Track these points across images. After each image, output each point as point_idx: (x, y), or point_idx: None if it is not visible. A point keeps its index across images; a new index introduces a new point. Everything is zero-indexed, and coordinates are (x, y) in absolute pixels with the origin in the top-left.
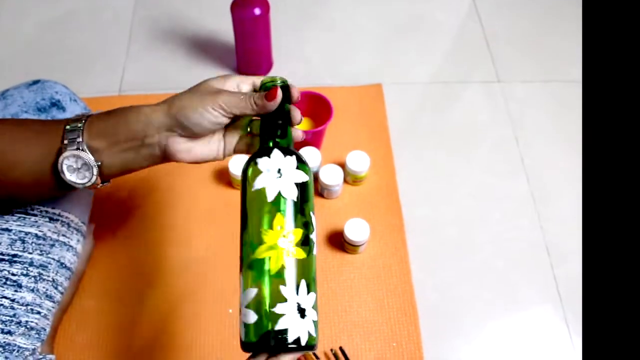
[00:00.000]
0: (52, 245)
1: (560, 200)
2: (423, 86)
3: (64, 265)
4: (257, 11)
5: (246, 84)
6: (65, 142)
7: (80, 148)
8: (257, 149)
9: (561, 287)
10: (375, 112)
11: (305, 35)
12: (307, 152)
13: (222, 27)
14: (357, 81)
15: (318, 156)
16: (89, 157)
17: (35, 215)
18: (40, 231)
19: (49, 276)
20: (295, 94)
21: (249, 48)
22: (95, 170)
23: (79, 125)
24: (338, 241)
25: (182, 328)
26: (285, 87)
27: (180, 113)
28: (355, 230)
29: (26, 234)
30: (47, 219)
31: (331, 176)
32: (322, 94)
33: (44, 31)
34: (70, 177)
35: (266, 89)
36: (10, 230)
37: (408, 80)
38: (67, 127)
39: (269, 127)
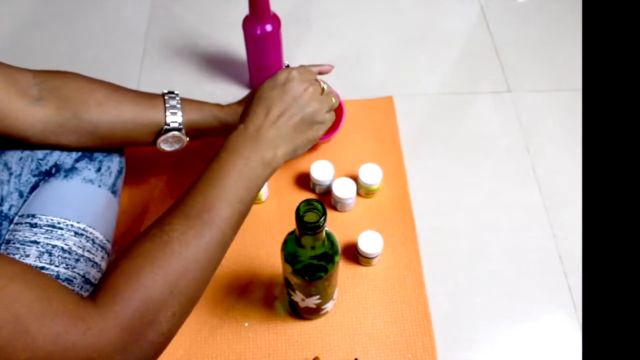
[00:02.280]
0: (77, 260)
1: (573, 209)
2: (433, 97)
3: (88, 281)
4: (268, 27)
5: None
6: (168, 122)
7: (180, 130)
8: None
9: (575, 296)
10: (386, 124)
11: (316, 49)
12: (320, 166)
13: (234, 43)
14: (368, 94)
15: (331, 170)
16: (183, 136)
17: (62, 229)
18: (66, 244)
19: (74, 290)
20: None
21: (261, 63)
22: (184, 144)
23: (178, 106)
24: (352, 254)
25: (201, 343)
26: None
27: None
28: (369, 242)
29: (53, 246)
30: (72, 233)
31: (344, 189)
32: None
33: (57, 46)
34: (163, 146)
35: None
36: (38, 243)
37: (418, 92)
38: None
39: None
